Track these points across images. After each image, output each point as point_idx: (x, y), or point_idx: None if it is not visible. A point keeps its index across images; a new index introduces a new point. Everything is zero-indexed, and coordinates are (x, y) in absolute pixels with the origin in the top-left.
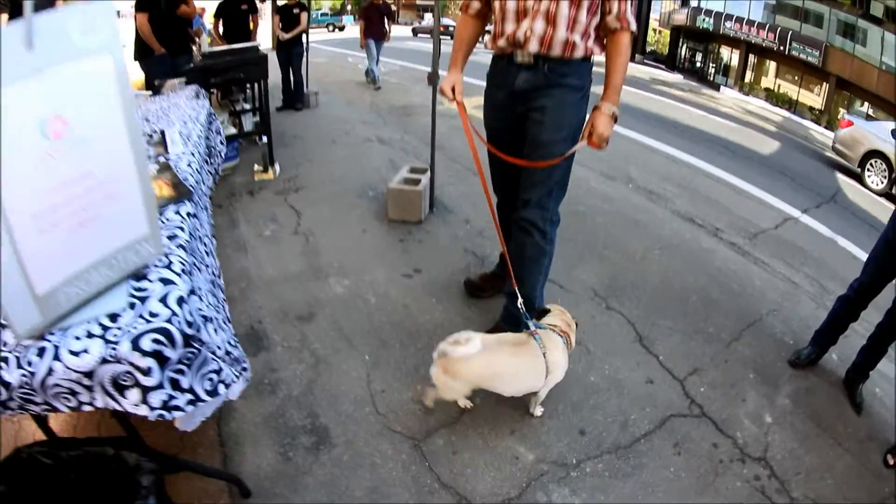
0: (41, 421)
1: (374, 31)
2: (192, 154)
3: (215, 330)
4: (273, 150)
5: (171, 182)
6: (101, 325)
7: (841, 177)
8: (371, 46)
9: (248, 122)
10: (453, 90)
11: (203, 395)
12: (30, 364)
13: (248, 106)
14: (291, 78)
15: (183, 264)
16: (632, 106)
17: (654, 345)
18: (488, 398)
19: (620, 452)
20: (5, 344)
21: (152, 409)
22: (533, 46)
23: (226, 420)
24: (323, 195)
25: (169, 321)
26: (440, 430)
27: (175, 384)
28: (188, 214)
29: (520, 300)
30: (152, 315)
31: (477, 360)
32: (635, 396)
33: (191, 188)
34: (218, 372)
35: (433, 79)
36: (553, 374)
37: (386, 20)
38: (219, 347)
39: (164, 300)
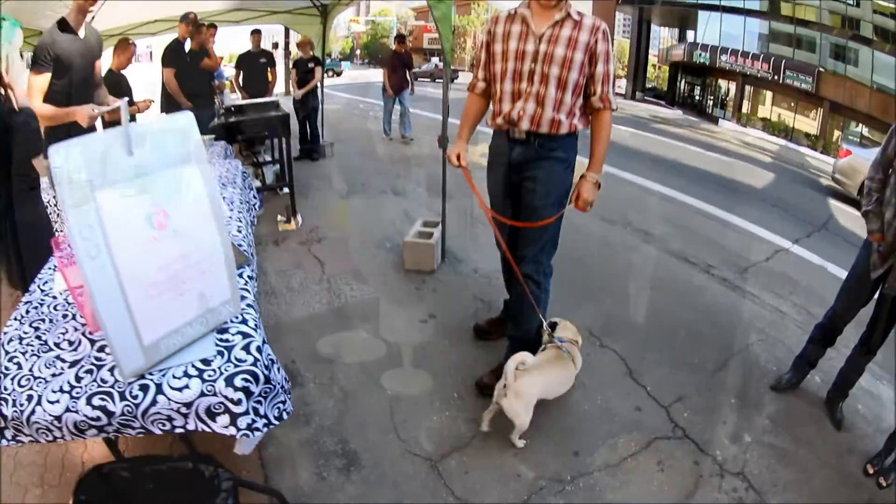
0: (111, 444)
1: (397, 83)
2: (240, 220)
3: (278, 369)
4: (295, 202)
5: None
6: (195, 367)
7: (833, 203)
8: (393, 100)
9: (270, 174)
10: (458, 157)
11: (273, 420)
12: (134, 397)
13: (268, 157)
14: (308, 129)
15: (254, 320)
16: (632, 148)
17: (642, 377)
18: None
19: (610, 470)
20: (104, 381)
21: (238, 429)
22: (525, 124)
23: (266, 446)
24: (344, 246)
25: (254, 364)
26: (453, 453)
27: (255, 411)
28: (249, 277)
29: (546, 325)
30: (239, 360)
31: (541, 380)
32: (624, 422)
33: (245, 253)
34: (284, 402)
35: (442, 142)
36: (576, 372)
37: (407, 71)
38: (279, 382)
39: (246, 348)
